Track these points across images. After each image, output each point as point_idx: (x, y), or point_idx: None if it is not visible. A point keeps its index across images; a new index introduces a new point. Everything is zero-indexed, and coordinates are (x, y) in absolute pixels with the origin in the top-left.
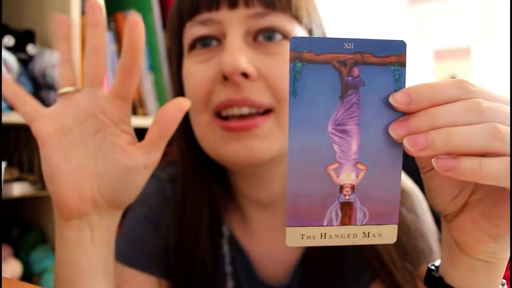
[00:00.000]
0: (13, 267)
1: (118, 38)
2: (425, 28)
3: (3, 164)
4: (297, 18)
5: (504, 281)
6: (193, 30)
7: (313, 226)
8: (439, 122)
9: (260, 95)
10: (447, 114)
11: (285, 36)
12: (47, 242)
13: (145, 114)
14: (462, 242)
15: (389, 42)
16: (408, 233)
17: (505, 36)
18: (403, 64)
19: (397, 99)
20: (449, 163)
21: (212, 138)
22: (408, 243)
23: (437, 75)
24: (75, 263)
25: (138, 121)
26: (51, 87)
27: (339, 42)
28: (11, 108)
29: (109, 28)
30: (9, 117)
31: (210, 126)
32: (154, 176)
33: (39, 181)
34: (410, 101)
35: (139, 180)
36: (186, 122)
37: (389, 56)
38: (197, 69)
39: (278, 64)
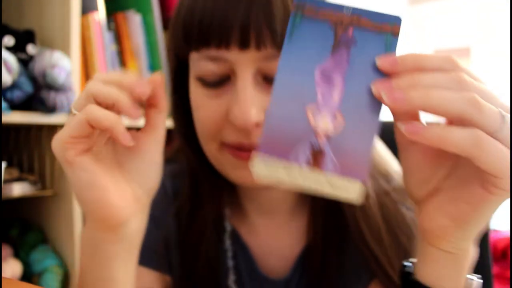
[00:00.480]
0: (13, 267)
1: (118, 38)
2: (425, 28)
3: (3, 164)
4: None
5: (475, 278)
6: (201, 65)
7: (281, 160)
8: (419, 83)
9: None
10: (429, 78)
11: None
12: (47, 242)
13: None
14: (428, 228)
15: (386, 14)
16: (408, 232)
17: (505, 36)
18: (396, 35)
19: (383, 60)
20: (417, 126)
21: (221, 162)
22: (408, 242)
23: None
24: (112, 278)
25: (138, 121)
26: (51, 87)
27: (339, 6)
28: (11, 108)
29: (109, 28)
30: (9, 117)
31: (220, 152)
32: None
33: (39, 181)
34: (395, 63)
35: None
36: (190, 128)
37: (383, 24)
38: (206, 104)
39: None
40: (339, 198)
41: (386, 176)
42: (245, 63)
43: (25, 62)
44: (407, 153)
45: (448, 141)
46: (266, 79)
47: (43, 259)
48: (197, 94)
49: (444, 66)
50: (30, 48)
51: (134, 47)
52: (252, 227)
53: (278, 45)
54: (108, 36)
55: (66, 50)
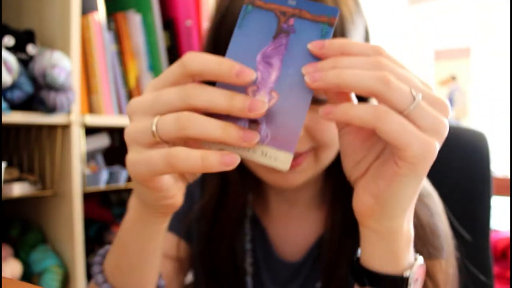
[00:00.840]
0: (13, 267)
1: (118, 38)
2: (425, 28)
3: (3, 164)
4: None
5: (418, 258)
6: None
7: None
8: (338, 64)
9: (303, 144)
10: (348, 60)
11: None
12: (47, 242)
13: None
14: (357, 208)
15: (325, 6)
16: (423, 233)
17: (505, 36)
18: (331, 25)
19: (313, 45)
20: (330, 107)
21: (254, 166)
22: (421, 243)
23: (437, 75)
24: (155, 248)
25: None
26: (51, 87)
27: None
28: (11, 108)
29: (109, 28)
30: (9, 117)
31: None
32: None
33: (39, 181)
34: (322, 46)
35: None
36: None
37: (321, 16)
38: None
39: (323, 123)
40: (269, 166)
41: None
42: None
43: (25, 62)
44: (342, 136)
45: (353, 116)
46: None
47: (43, 259)
48: None
49: (367, 52)
50: (30, 48)
51: (134, 47)
52: (272, 214)
53: None
54: (108, 36)
55: (66, 50)
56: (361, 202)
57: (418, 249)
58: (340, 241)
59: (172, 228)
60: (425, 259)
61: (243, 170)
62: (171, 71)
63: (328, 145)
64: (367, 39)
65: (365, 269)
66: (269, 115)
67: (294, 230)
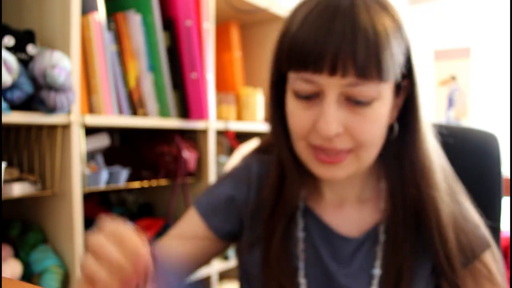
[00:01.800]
0: (13, 267)
1: (118, 38)
2: (425, 28)
3: (3, 164)
4: (386, 81)
5: None
6: (297, 84)
7: None
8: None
9: (345, 143)
10: None
11: (371, 101)
12: (47, 242)
13: (145, 114)
14: None
15: None
16: (465, 234)
17: (505, 36)
18: None
19: None
20: None
21: (305, 157)
22: (466, 241)
23: (437, 75)
24: None
25: (138, 121)
26: (51, 87)
27: None
28: (11, 108)
29: (109, 28)
30: (9, 117)
31: (305, 150)
32: (243, 159)
33: (39, 181)
34: None
35: None
36: (284, 128)
37: None
38: (299, 113)
39: (362, 122)
40: None
41: (448, 185)
42: (331, 86)
43: (25, 62)
44: None
45: None
46: (348, 100)
47: (43, 259)
48: (292, 104)
49: None
50: (30, 48)
51: (134, 47)
52: (326, 205)
53: (359, 75)
54: (108, 36)
55: (66, 50)
56: None
57: (472, 245)
58: (401, 228)
59: (206, 217)
60: (479, 254)
61: (299, 165)
62: None
63: (368, 145)
64: (408, 58)
65: None
66: None
67: (348, 218)
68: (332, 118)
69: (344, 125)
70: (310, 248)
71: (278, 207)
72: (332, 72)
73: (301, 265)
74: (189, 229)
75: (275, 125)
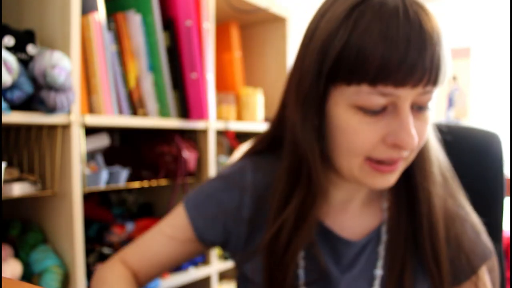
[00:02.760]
0: (13, 267)
1: (118, 38)
2: None
3: (3, 164)
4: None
5: None
6: (366, 98)
7: None
8: None
9: (407, 152)
10: None
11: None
12: (47, 242)
13: (145, 114)
14: None
15: None
16: (461, 246)
17: (505, 36)
18: None
19: None
20: None
21: (358, 173)
22: (459, 254)
23: None
24: None
25: (138, 121)
26: (51, 87)
27: None
28: (11, 108)
29: (109, 28)
30: (9, 117)
31: (363, 165)
32: (237, 163)
33: (39, 181)
34: None
35: None
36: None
37: None
38: (365, 128)
39: (423, 126)
40: None
41: (445, 180)
42: (408, 97)
43: (25, 62)
44: None
45: None
46: (413, 107)
47: (43, 259)
48: (353, 120)
49: None
50: (30, 48)
51: (134, 47)
52: (329, 209)
53: (435, 82)
54: (108, 36)
55: (66, 50)
56: None
57: (476, 253)
58: (404, 226)
59: (192, 217)
60: (483, 262)
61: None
62: None
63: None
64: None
65: None
66: None
67: (352, 221)
68: (412, 127)
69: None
70: (311, 254)
71: (293, 221)
72: (417, 84)
73: (301, 272)
74: (175, 228)
75: (308, 141)
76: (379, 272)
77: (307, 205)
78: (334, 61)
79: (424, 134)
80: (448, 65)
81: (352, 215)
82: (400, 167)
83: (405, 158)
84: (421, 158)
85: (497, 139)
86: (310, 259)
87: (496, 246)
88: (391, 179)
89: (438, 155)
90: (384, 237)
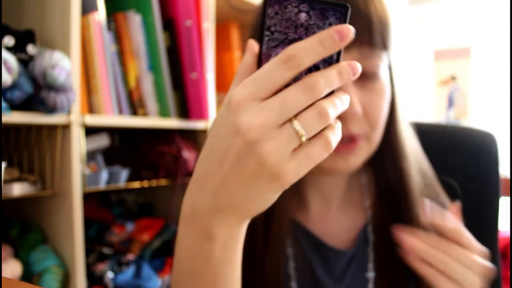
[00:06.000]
0: (13, 267)
1: (118, 38)
2: (425, 28)
3: (3, 164)
4: (388, 50)
5: None
6: None
7: None
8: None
9: (360, 128)
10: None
11: (378, 71)
12: (47, 242)
13: (145, 114)
14: None
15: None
16: None
17: (505, 36)
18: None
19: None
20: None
21: None
22: None
23: (437, 75)
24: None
25: (138, 121)
26: (51, 87)
27: None
28: (11, 108)
29: (109, 28)
30: (9, 117)
31: None
32: None
33: (39, 181)
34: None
35: None
36: None
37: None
38: None
39: (374, 98)
40: None
41: (422, 172)
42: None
43: (25, 62)
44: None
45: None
46: (361, 75)
47: (43, 259)
48: None
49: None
50: (30, 48)
51: (134, 47)
52: (312, 214)
53: (373, 45)
54: (108, 36)
55: (66, 50)
56: None
57: None
58: (390, 227)
59: None
60: None
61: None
62: (276, 75)
63: (379, 125)
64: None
65: None
66: None
67: (337, 225)
68: (355, 97)
69: (362, 105)
70: (302, 266)
71: (270, 223)
72: (348, 46)
73: (294, 285)
74: None
75: None
76: (371, 274)
77: (281, 205)
78: None
79: (376, 107)
80: (388, 26)
81: (336, 219)
82: (362, 148)
83: (365, 136)
84: (394, 149)
85: (492, 139)
86: (301, 270)
87: (492, 245)
88: (351, 160)
89: (412, 148)
90: (371, 237)
